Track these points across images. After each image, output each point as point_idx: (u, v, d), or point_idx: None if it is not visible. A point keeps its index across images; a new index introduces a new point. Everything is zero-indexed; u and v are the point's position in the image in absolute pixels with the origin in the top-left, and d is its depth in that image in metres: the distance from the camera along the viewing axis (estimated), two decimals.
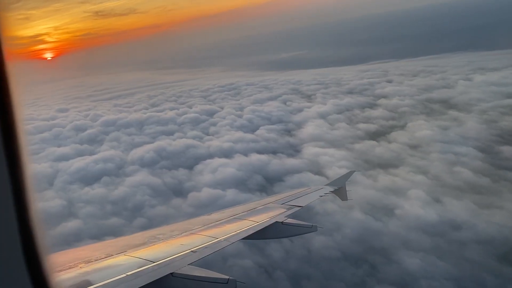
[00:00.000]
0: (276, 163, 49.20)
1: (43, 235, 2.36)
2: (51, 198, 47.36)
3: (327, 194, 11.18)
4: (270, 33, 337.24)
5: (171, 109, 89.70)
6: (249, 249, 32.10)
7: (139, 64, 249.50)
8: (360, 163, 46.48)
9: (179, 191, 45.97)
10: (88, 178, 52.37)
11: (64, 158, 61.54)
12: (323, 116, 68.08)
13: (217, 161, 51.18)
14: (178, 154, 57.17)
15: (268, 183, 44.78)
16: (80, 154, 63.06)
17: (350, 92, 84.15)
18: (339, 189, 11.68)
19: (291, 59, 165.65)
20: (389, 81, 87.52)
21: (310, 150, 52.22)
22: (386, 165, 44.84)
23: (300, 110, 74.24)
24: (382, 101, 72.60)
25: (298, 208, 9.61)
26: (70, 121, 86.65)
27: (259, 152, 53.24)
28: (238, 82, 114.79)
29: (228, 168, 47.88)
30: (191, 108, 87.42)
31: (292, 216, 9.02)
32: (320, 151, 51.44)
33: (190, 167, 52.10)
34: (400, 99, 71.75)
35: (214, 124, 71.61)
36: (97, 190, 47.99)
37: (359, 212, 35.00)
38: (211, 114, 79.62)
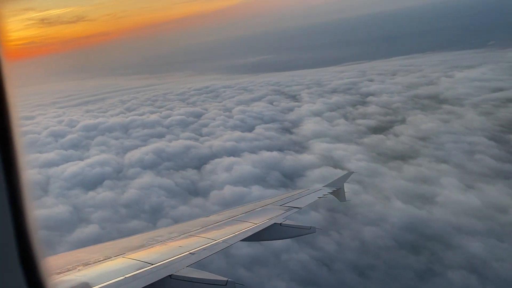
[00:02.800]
0: (290, 159, 48.32)
1: (39, 238, 2.36)
2: (53, 204, 44.25)
3: (325, 196, 10.93)
4: (230, 39, 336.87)
5: (151, 112, 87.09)
6: (297, 243, 30.98)
7: (97, 71, 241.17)
8: (375, 156, 46.44)
9: (195, 191, 44.15)
10: (88, 183, 49.41)
11: (51, 164, 58.03)
12: (317, 114, 67.97)
13: (227, 160, 49.66)
14: (179, 155, 55.07)
15: (287, 179, 43.80)
16: (67, 159, 59.68)
17: (334, 91, 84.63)
18: (338, 190, 11.43)
19: (258, 63, 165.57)
20: (371, 80, 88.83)
21: (319, 146, 51.70)
22: (403, 156, 45.03)
23: (290, 110, 73.85)
24: (371, 98, 73.42)
25: (296, 210, 9.48)
26: (44, 128, 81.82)
27: (266, 150, 52.16)
28: (213, 85, 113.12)
29: (243, 166, 46.50)
30: (172, 110, 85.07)
31: (291, 217, 8.88)
32: (330, 146, 51.07)
33: (198, 167, 50.29)
34: (389, 96, 72.93)
35: (205, 125, 69.85)
36: (103, 194, 45.14)
37: (397, 202, 34.70)
38: (197, 116, 77.80)
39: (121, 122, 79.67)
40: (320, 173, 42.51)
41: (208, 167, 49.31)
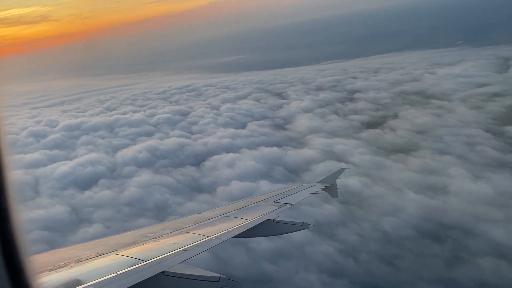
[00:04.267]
0: (291, 154, 47.97)
1: (24, 239, 2.32)
2: (49, 205, 42.36)
3: (318, 192, 10.97)
4: (202, 39, 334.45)
5: (134, 111, 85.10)
6: (318, 236, 30.67)
7: (65, 72, 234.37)
8: (376, 149, 46.65)
9: (198, 187, 43.22)
10: (81, 182, 47.69)
11: (38, 164, 55.77)
12: (307, 110, 67.99)
13: (226, 156, 48.85)
14: (174, 153, 53.92)
15: (291, 173, 43.41)
16: (53, 159, 57.61)
17: (319, 88, 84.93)
18: (330, 186, 11.50)
19: (235, 62, 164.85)
20: (354, 78, 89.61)
21: (317, 141, 51.58)
22: (404, 149, 45.42)
23: (279, 107, 73.65)
24: (358, 95, 73.98)
25: (289, 206, 9.38)
26: (22, 128, 78.53)
27: (264, 146, 51.64)
28: (194, 84, 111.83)
29: (245, 161, 45.79)
30: (156, 109, 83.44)
31: (283, 213, 8.90)
32: (329, 141, 51.03)
33: (196, 164, 49.29)
34: (376, 92, 73.68)
35: (194, 123, 68.80)
36: (101, 193, 43.53)
37: (410, 193, 34.86)
38: (184, 114, 76.60)
39: (105, 121, 77.48)
40: (325, 167, 42.26)
41: (207, 164, 48.38)
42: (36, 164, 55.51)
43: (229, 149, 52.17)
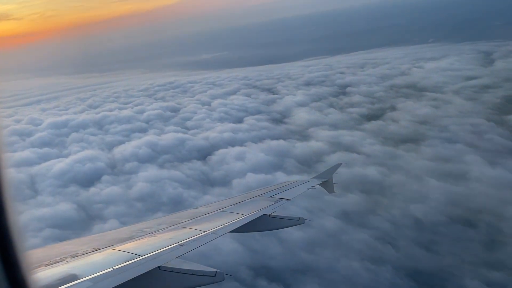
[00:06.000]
0: (299, 146, 47.56)
1: (20, 233, 2.35)
2: (52, 202, 40.32)
3: (314, 187, 10.98)
4: (173, 37, 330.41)
5: (120, 108, 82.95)
6: (349, 224, 30.37)
7: (34, 71, 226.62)
8: (384, 140, 46.81)
9: (209, 181, 42.25)
10: (82, 179, 45.97)
11: (30, 162, 53.39)
12: (302, 104, 67.86)
13: (233, 150, 48.02)
14: (175, 148, 52.63)
15: (303, 165, 42.98)
16: (45, 157, 55.38)
17: (309, 84, 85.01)
18: (326, 182, 11.51)
19: (214, 59, 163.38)
20: (342, 73, 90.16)
21: (322, 133, 51.40)
22: (412, 139, 45.72)
23: (273, 101, 73.23)
24: (350, 89, 74.41)
25: (285, 201, 9.47)
26: (3, 127, 75.00)
27: (269, 139, 51.07)
28: (178, 81, 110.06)
29: (254, 154, 45.09)
30: (144, 106, 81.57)
31: (279, 208, 9.03)
32: (334, 133, 50.91)
33: (201, 158, 48.23)
34: (368, 86, 74.29)
35: (188, 119, 67.49)
36: (107, 189, 41.86)
37: (431, 180, 35.02)
38: (174, 110, 75.32)
39: (92, 118, 75.08)
40: (338, 157, 42.03)
41: (214, 157, 47.36)
42: (28, 163, 53.12)
43: (231, 143, 51.31)
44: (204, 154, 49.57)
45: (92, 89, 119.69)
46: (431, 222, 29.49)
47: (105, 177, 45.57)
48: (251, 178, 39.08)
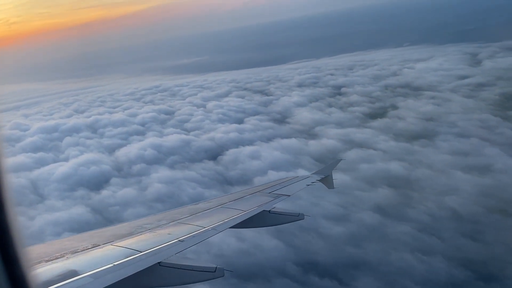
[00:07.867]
0: (312, 144, 47.14)
1: (20, 233, 2.36)
2: (63, 207, 38.47)
3: (314, 183, 11.11)
4: (148, 42, 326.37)
5: (109, 112, 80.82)
6: (387, 218, 30.02)
7: (5, 77, 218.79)
8: (395, 137, 46.88)
9: (225, 180, 41.26)
10: (89, 183, 44.36)
11: (27, 167, 51.05)
12: (301, 105, 67.64)
13: (245, 149, 47.29)
14: (181, 149, 51.48)
15: (321, 162, 42.42)
16: (42, 162, 53.35)
17: (301, 85, 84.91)
18: (326, 178, 11.66)
19: (196, 64, 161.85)
20: (332, 74, 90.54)
21: (330, 132, 51.15)
22: (424, 135, 45.96)
23: (269, 103, 72.72)
24: (345, 89, 74.63)
25: (285, 197, 9.54)
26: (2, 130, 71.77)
27: (279, 138, 50.54)
28: (164, 84, 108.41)
29: (270, 153, 44.41)
30: (135, 109, 79.72)
31: (280, 204, 9.08)
32: (343, 131, 50.72)
33: (213, 158, 47.18)
34: (362, 86, 74.68)
35: (185, 121, 66.25)
36: (121, 192, 40.26)
37: (458, 172, 35.13)
38: (168, 113, 73.87)
39: (83, 122, 72.73)
40: (356, 154, 41.87)
41: (225, 157, 46.38)
42: (25, 168, 50.76)
43: (239, 143, 50.50)
44: (213, 154, 48.56)
45: (73, 94, 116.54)
46: (469, 213, 29.44)
47: (114, 180, 44.01)
48: (273, 175, 38.21)
